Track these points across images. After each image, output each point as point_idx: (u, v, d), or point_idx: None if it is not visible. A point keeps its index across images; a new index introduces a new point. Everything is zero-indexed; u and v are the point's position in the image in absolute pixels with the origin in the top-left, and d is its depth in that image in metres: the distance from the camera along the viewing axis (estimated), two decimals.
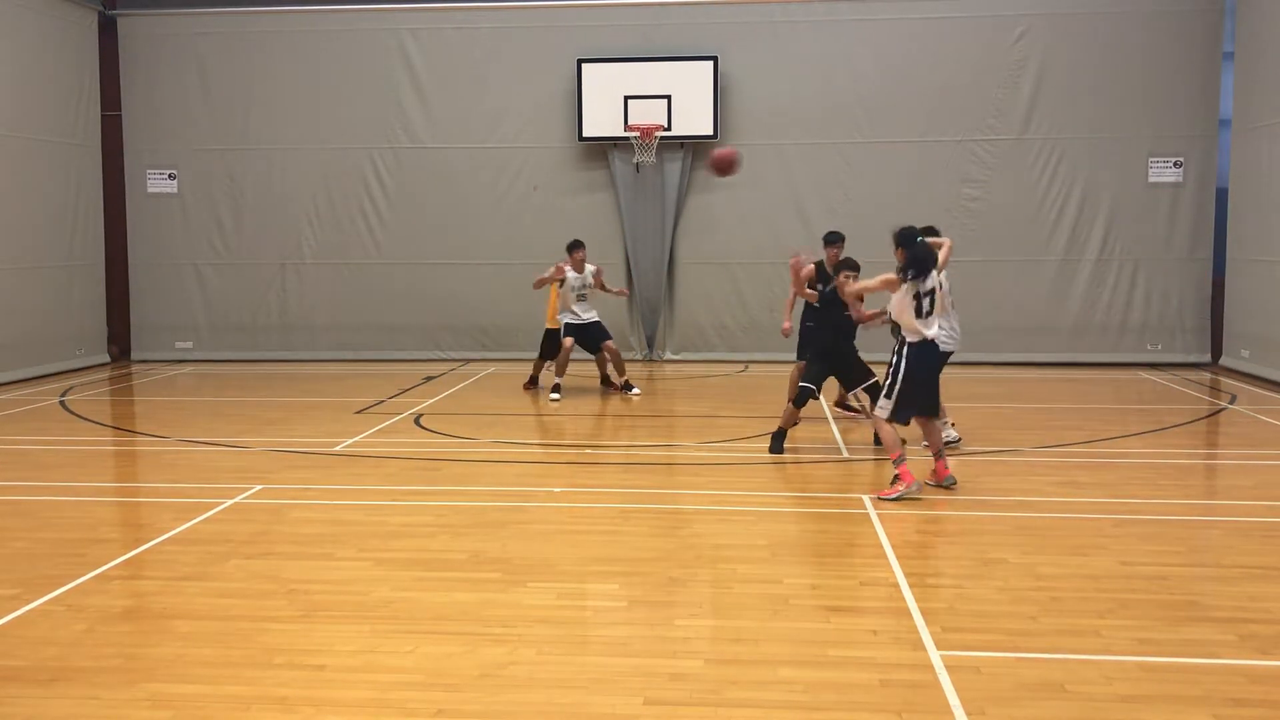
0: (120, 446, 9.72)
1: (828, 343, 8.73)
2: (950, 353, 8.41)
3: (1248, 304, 13.46)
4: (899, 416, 7.23)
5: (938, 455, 7.36)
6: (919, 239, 7.12)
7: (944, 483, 7.32)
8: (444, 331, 15.47)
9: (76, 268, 14.89)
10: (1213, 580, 5.55)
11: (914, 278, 7.05)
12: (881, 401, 7.29)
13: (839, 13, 14.70)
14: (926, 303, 7.07)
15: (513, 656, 4.55)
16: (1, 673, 4.44)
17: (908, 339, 7.16)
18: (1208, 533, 6.56)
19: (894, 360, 7.21)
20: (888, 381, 7.21)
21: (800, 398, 8.68)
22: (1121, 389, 12.58)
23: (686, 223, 15.07)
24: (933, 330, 7.14)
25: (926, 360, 7.18)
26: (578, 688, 4.24)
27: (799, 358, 9.82)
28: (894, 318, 7.23)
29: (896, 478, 7.06)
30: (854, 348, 8.84)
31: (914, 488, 7.02)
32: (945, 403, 11.13)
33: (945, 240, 8.05)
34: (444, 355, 15.41)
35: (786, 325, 10.29)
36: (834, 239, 9.72)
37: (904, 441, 7.31)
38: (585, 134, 14.83)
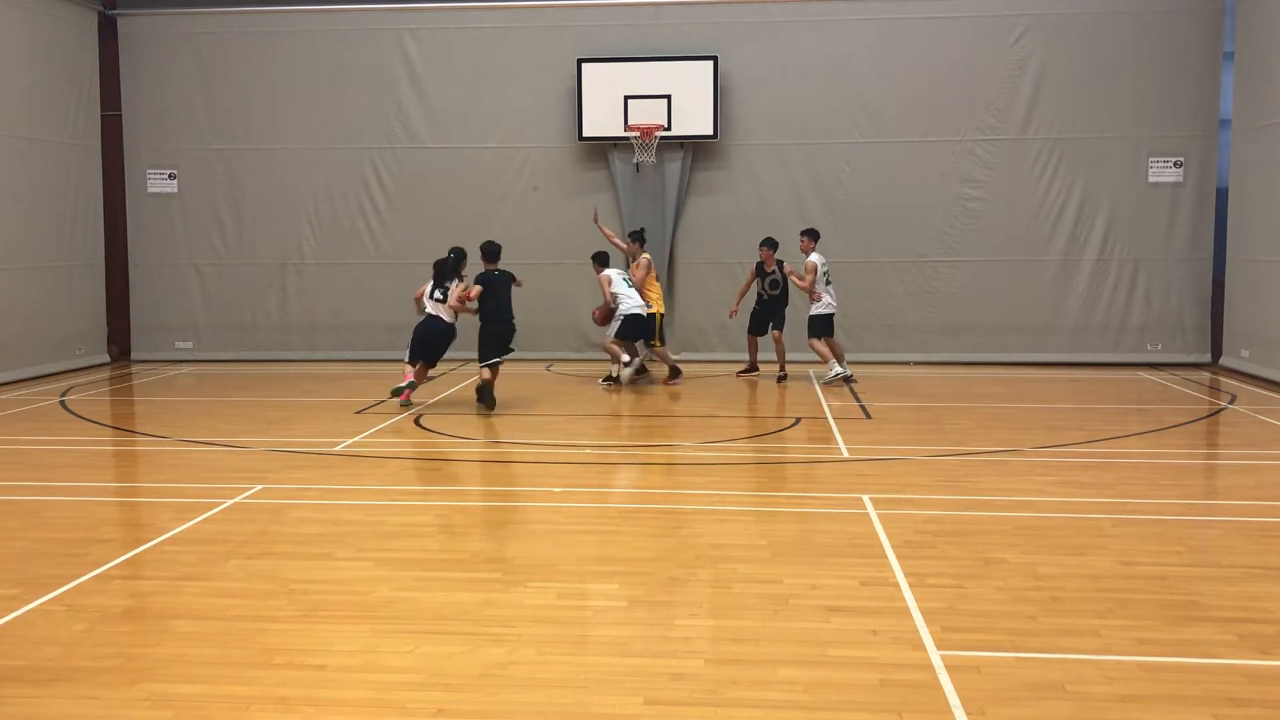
0: (120, 446, 9.72)
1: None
2: (832, 314, 12.83)
3: (1248, 304, 13.46)
4: (411, 359, 11.06)
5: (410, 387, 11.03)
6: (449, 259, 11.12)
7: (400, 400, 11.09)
8: None
9: (76, 268, 14.89)
10: (1213, 580, 5.54)
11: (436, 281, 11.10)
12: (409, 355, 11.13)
13: (839, 13, 14.70)
14: (440, 293, 10.90)
15: (513, 656, 4.55)
16: (1, 673, 4.44)
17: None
18: (1208, 533, 6.55)
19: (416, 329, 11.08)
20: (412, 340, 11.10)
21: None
22: (1121, 389, 12.58)
23: (686, 223, 15.08)
24: (440, 311, 10.90)
25: (427, 327, 10.95)
26: (578, 688, 4.24)
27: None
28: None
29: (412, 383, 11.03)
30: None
31: (408, 385, 10.89)
32: (946, 401, 11.22)
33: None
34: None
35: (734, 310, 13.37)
36: (768, 243, 12.96)
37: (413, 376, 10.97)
38: (585, 134, 14.83)
